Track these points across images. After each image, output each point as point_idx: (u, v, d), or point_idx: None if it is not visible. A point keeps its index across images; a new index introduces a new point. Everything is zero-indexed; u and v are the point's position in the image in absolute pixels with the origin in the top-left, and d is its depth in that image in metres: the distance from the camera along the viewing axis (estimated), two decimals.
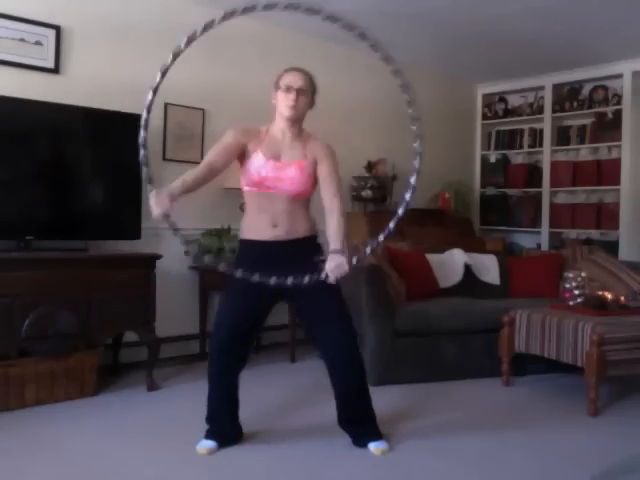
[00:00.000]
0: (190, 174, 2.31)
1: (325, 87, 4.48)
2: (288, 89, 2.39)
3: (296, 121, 2.45)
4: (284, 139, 2.45)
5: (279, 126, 2.46)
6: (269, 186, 2.38)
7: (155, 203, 2.14)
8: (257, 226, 2.42)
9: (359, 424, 2.54)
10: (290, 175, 2.38)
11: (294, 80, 2.40)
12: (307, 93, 2.43)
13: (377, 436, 2.53)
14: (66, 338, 3.00)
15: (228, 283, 2.49)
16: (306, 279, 2.21)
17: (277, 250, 2.40)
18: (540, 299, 3.92)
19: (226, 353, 2.46)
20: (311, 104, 2.49)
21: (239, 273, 2.22)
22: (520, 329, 3.42)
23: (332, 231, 2.37)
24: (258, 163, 2.39)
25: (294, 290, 2.34)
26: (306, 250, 2.44)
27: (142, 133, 2.13)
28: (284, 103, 2.40)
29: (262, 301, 2.46)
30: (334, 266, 2.27)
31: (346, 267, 2.28)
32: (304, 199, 2.46)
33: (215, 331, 2.50)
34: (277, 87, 2.43)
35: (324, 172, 2.44)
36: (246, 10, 2.16)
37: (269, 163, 2.38)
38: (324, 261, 2.35)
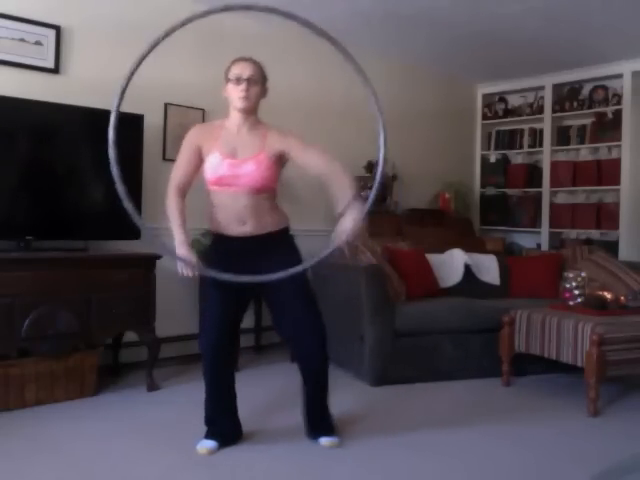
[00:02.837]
0: (175, 211, 2.40)
1: (325, 87, 4.50)
2: (238, 80, 2.36)
3: (250, 112, 2.41)
4: (240, 133, 2.42)
5: (234, 120, 2.43)
6: (228, 184, 2.36)
7: (184, 269, 2.33)
8: (225, 222, 2.41)
9: (316, 414, 2.58)
10: (246, 171, 2.34)
11: (243, 70, 2.37)
12: (258, 82, 2.39)
13: (330, 431, 2.56)
14: (66, 338, 3.00)
15: (204, 281, 2.46)
16: (275, 276, 2.13)
17: (247, 245, 2.40)
18: (540, 299, 3.92)
19: (218, 352, 2.47)
20: (263, 93, 2.44)
21: (209, 273, 2.24)
22: (520, 329, 3.42)
23: (337, 189, 2.33)
24: (215, 162, 2.36)
25: (264, 284, 2.35)
26: (277, 244, 2.43)
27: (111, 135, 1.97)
28: (235, 95, 2.36)
29: (240, 294, 2.45)
30: (348, 222, 2.22)
31: (359, 221, 2.21)
32: (268, 193, 2.42)
33: (203, 332, 2.49)
34: (227, 79, 2.40)
35: (296, 148, 2.40)
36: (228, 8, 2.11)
37: (225, 162, 2.35)
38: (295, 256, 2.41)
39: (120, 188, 1.94)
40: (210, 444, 2.46)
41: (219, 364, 2.50)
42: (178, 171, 2.45)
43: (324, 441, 2.53)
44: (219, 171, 2.36)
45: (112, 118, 1.96)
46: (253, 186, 2.36)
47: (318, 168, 2.40)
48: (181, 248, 2.35)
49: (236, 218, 2.38)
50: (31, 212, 3.21)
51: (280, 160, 2.43)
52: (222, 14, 2.06)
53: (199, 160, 2.42)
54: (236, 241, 2.41)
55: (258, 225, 2.40)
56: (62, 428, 2.69)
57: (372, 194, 2.11)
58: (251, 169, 2.35)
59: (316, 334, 2.47)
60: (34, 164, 3.23)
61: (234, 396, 2.56)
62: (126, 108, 3.49)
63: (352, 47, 2.16)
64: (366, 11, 4.05)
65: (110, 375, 3.47)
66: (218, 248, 2.48)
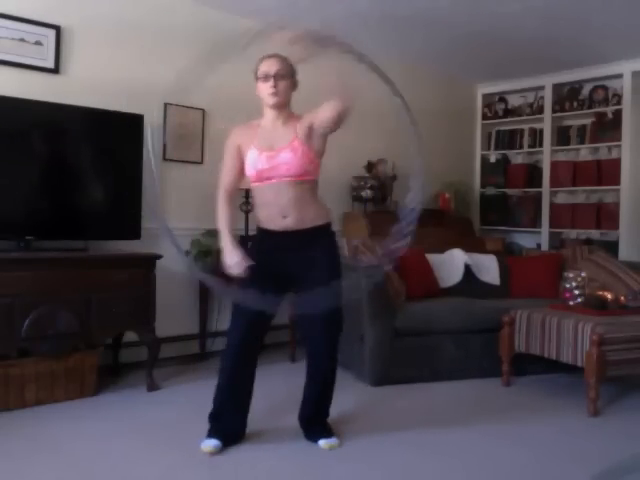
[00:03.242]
0: (225, 218, 2.47)
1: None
2: (266, 77, 2.41)
3: (282, 107, 2.46)
4: (275, 128, 2.46)
5: (268, 116, 2.48)
6: (268, 176, 2.40)
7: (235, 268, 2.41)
8: (268, 217, 2.46)
9: (317, 417, 2.60)
10: (284, 160, 2.38)
11: (270, 67, 2.42)
12: (286, 76, 2.43)
13: (329, 433, 2.58)
14: (66, 338, 3.00)
15: (241, 280, 2.47)
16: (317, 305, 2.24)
17: (288, 242, 2.42)
18: (540, 299, 3.92)
19: (243, 349, 2.48)
20: (293, 86, 2.49)
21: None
22: (520, 329, 3.42)
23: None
24: (253, 158, 2.42)
25: (297, 281, 2.42)
26: (317, 240, 2.46)
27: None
28: (265, 92, 2.42)
29: (275, 297, 2.46)
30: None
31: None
32: (309, 182, 2.45)
33: (233, 326, 2.49)
34: (256, 78, 2.46)
35: (316, 114, 2.42)
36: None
37: (263, 155, 2.40)
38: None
39: (160, 215, 2.05)
40: (214, 443, 2.45)
41: (242, 360, 2.49)
42: (225, 177, 2.52)
43: (323, 443, 2.52)
44: (258, 165, 2.40)
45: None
46: (293, 174, 2.39)
47: (326, 111, 2.38)
48: (233, 254, 2.41)
49: (278, 211, 2.42)
50: (31, 212, 3.21)
51: (312, 136, 2.42)
52: (223, 17, 2.07)
53: (241, 161, 2.48)
54: (277, 236, 2.44)
55: (300, 218, 2.42)
56: (62, 428, 2.69)
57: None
58: (288, 157, 2.39)
59: (330, 333, 2.50)
60: (34, 164, 3.22)
61: (249, 396, 2.55)
62: (126, 108, 3.52)
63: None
64: (363, 12, 4.05)
65: (110, 375, 3.47)
66: (259, 248, 2.53)
